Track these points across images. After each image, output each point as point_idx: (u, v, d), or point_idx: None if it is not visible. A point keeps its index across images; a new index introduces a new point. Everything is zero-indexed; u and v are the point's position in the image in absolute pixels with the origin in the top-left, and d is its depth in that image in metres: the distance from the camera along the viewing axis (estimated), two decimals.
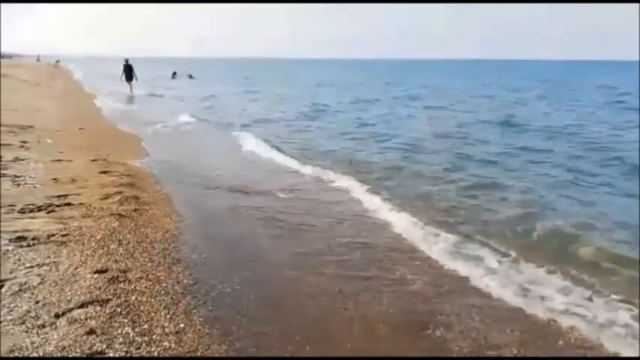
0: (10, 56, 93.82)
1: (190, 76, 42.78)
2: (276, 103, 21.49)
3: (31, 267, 3.71)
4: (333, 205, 6.23)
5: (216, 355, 2.93)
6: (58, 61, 72.19)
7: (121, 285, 3.58)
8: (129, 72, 24.82)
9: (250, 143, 10.58)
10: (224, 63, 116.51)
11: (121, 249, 4.25)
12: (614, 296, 3.88)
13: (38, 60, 77.00)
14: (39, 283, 3.46)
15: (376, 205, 6.18)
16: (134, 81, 25.10)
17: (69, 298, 3.30)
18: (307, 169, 8.10)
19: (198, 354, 2.91)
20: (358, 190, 6.85)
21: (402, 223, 5.49)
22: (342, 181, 7.31)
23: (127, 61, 25.17)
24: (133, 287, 3.58)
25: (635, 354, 3.22)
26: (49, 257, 3.91)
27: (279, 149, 9.91)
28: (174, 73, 42.61)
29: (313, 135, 12.39)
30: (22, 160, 7.05)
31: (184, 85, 34.88)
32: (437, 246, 4.84)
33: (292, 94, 26.42)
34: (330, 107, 19.46)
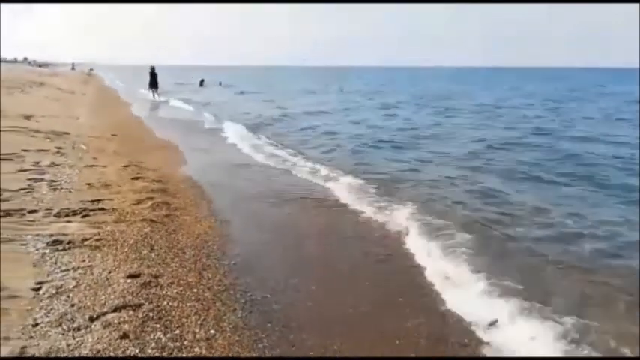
0: (46, 65, 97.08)
1: (220, 84, 43.13)
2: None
3: (67, 270, 3.79)
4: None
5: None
6: (91, 69, 74.49)
7: (153, 290, 3.63)
8: (154, 79, 25.76)
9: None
10: (230, 70, 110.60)
11: (152, 254, 4.32)
12: None
13: (73, 68, 79.42)
14: (74, 287, 3.53)
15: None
16: (158, 89, 26.07)
17: (103, 301, 3.36)
18: None
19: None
20: None
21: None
22: None
23: (152, 68, 26.04)
24: (164, 292, 3.63)
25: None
26: (83, 261, 3.99)
27: None
28: (202, 81, 43.09)
29: None
30: (57, 165, 7.25)
31: (220, 94, 32.52)
32: None
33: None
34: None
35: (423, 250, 4.83)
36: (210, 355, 2.95)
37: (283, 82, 59.16)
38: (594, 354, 3.18)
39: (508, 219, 5.91)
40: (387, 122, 16.93)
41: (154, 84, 26.00)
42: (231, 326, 3.30)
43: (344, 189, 7.20)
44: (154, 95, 25.97)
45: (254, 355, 3.03)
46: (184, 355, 2.91)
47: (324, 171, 8.51)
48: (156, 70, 26.20)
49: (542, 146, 11.50)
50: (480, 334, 3.43)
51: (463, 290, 4.01)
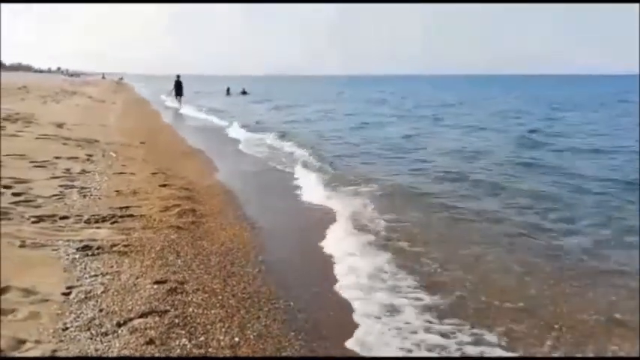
0: (78, 75, 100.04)
1: (244, 92, 43.34)
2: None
3: (96, 275, 3.87)
4: None
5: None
6: (121, 79, 76.48)
7: (179, 296, 3.67)
8: (179, 88, 26.16)
9: None
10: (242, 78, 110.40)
11: (179, 261, 4.37)
12: None
13: (103, 77, 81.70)
14: (102, 292, 3.60)
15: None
16: (183, 97, 26.44)
17: (130, 307, 3.41)
18: None
19: None
20: None
21: None
22: None
23: (178, 77, 26.48)
24: (190, 299, 3.66)
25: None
26: (111, 267, 4.07)
27: None
28: (229, 89, 43.60)
29: None
30: (88, 172, 7.44)
31: (248, 103, 32.72)
32: None
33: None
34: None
35: None
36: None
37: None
38: None
39: None
40: None
41: (179, 92, 26.45)
42: (255, 334, 3.31)
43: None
44: (179, 103, 26.41)
45: None
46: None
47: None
48: (181, 79, 26.64)
49: None
50: None
51: None
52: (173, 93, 26.88)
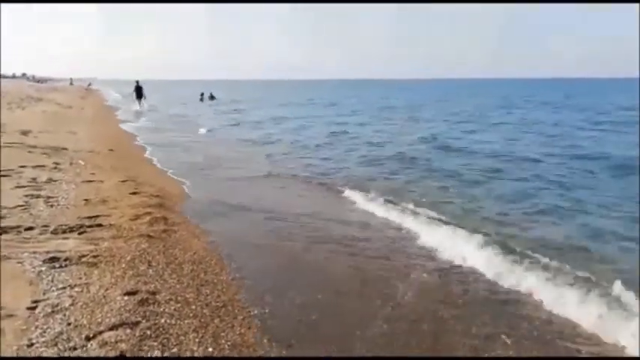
0: (45, 80, 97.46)
1: (212, 97, 42.63)
2: None
3: (63, 288, 3.75)
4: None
5: None
6: (90, 84, 74.83)
7: (151, 307, 3.58)
8: (139, 92, 29.60)
9: None
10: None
11: (150, 270, 4.27)
12: None
13: (71, 84, 79.72)
14: (71, 305, 3.49)
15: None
16: (143, 99, 29.79)
17: (99, 320, 3.31)
18: None
19: None
20: None
21: None
22: None
23: (137, 82, 30.16)
24: (162, 309, 3.58)
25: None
26: (80, 278, 3.95)
27: None
28: (203, 95, 43.02)
29: None
30: (55, 181, 7.23)
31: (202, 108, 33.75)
32: None
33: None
34: None
35: None
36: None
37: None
38: None
39: None
40: None
41: (139, 96, 29.61)
42: (229, 344, 3.26)
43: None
44: (140, 106, 29.34)
45: None
46: None
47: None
48: (141, 84, 29.96)
49: None
50: None
51: None
52: (134, 96, 30.05)
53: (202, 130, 18.43)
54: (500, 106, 34.43)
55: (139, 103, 29.68)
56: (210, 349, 3.15)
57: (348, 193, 7.78)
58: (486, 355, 3.25)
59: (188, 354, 3.06)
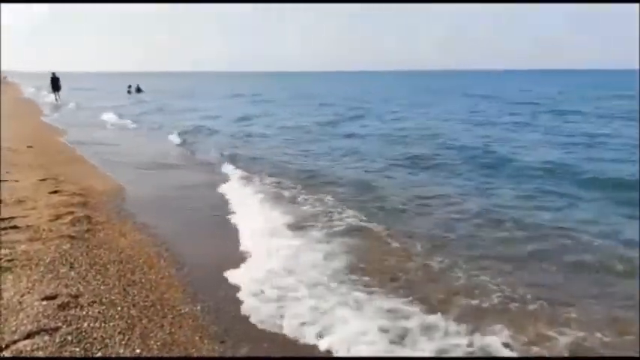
0: None
1: (139, 89, 41.07)
2: None
3: None
4: None
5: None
6: (5, 77, 69.50)
7: (72, 311, 3.40)
8: (55, 83, 28.94)
9: None
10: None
11: (72, 273, 4.05)
12: None
13: None
14: None
15: None
16: (60, 91, 29.26)
17: (14, 328, 3.10)
18: None
19: None
20: None
21: None
22: None
23: (53, 74, 29.19)
24: (85, 313, 3.41)
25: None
26: None
27: None
28: (130, 87, 41.21)
29: None
30: None
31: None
32: None
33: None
34: None
35: None
36: None
37: None
38: None
39: None
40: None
41: (56, 88, 28.94)
42: (159, 344, 3.15)
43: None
44: (56, 98, 28.78)
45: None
46: None
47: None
48: (57, 75, 29.15)
49: None
50: None
51: None
52: (50, 88, 29.41)
53: (116, 121, 18.57)
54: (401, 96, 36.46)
55: (56, 96, 29.19)
56: (138, 351, 3.04)
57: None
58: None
59: (114, 358, 2.93)
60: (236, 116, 20.70)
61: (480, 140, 12.69)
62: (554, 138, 13.22)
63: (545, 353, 3.18)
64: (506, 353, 3.16)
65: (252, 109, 24.68)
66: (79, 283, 3.88)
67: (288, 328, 3.44)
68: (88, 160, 9.57)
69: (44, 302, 3.48)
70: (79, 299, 3.59)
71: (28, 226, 5.03)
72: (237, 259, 4.68)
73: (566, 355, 3.18)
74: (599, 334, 3.38)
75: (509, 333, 3.37)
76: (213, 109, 25.48)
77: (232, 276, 4.25)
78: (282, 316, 3.57)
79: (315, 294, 3.90)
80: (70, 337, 3.07)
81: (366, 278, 4.23)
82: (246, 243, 5.10)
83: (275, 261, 4.53)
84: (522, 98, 30.79)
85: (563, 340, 3.30)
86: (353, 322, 3.45)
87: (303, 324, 3.46)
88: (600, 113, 20.12)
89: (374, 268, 4.48)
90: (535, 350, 3.20)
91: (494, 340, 3.26)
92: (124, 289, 3.85)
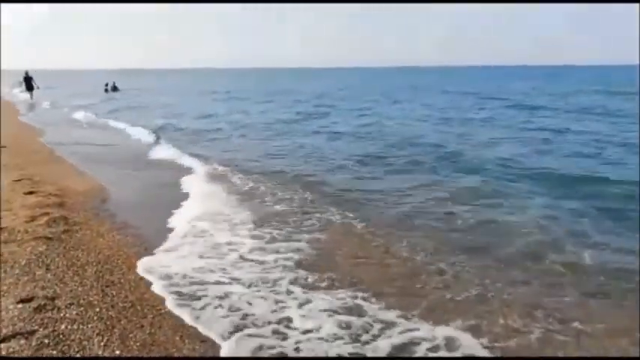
0: None
1: (115, 88, 40.30)
2: None
3: None
4: None
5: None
6: None
7: (49, 314, 3.34)
8: (29, 82, 28.86)
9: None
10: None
11: (48, 274, 3.98)
12: None
13: None
14: None
15: None
16: (35, 90, 28.99)
17: None
18: None
19: None
20: None
21: None
22: None
23: (26, 73, 29.17)
24: (62, 315, 3.36)
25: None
26: None
27: None
28: (107, 85, 40.45)
29: None
30: None
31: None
32: None
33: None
34: None
35: None
36: None
37: None
38: None
39: None
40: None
41: (29, 87, 28.84)
42: (138, 344, 3.13)
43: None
44: (31, 97, 28.62)
45: None
46: None
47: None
48: (30, 75, 29.05)
49: None
50: None
51: None
52: (24, 87, 29.43)
53: (88, 120, 18.66)
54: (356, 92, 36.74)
55: (30, 95, 29.01)
56: (118, 352, 3.01)
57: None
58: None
59: None
60: (203, 113, 20.57)
61: (438, 136, 12.88)
62: (513, 133, 13.55)
63: (513, 345, 3.24)
64: (474, 345, 3.22)
65: (221, 107, 24.60)
66: (56, 284, 3.81)
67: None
68: (65, 160, 9.40)
69: (20, 305, 3.42)
70: (56, 301, 3.54)
71: (2, 227, 4.92)
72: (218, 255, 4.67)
73: (560, 354, 3.20)
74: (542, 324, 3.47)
75: (472, 324, 3.46)
76: (181, 105, 25.48)
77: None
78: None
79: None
80: (46, 340, 3.02)
81: (317, 274, 4.29)
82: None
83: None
84: (497, 94, 31.05)
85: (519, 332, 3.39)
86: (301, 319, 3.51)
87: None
88: (567, 108, 20.57)
89: (326, 263, 4.55)
90: (502, 343, 3.26)
91: (458, 333, 3.33)
92: (103, 290, 3.81)
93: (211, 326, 3.39)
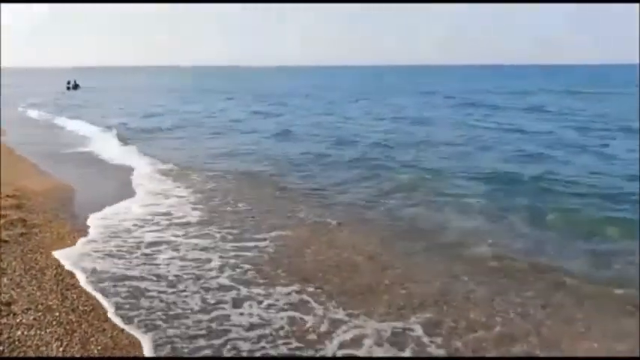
0: None
1: (76, 85, 39.30)
2: None
3: None
4: None
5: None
6: None
7: (4, 320, 3.22)
8: None
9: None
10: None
11: (4, 279, 3.83)
12: None
13: None
14: None
15: None
16: None
17: None
18: None
19: None
20: None
21: None
22: None
23: None
24: (18, 321, 3.24)
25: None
26: None
27: None
28: (69, 82, 39.25)
29: None
30: None
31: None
32: None
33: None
34: None
35: None
36: None
37: None
38: None
39: None
40: None
41: None
42: (99, 348, 3.04)
43: None
44: None
45: None
46: None
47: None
48: None
49: None
50: None
51: None
52: None
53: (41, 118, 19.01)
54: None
55: None
56: (78, 356, 2.91)
57: None
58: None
59: None
60: (152, 112, 20.48)
61: (377, 136, 12.96)
62: (453, 131, 13.86)
63: (470, 339, 3.29)
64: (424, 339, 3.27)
65: (177, 103, 24.98)
66: (12, 289, 3.67)
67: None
68: (25, 160, 9.07)
69: None
70: (12, 307, 3.40)
71: None
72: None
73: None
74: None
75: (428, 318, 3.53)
76: (135, 104, 25.15)
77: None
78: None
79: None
80: (1, 348, 2.90)
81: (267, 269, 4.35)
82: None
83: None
84: (457, 93, 31.22)
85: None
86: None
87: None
88: (521, 107, 21.00)
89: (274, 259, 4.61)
90: (457, 340, 3.31)
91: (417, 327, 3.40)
92: (62, 294, 3.69)
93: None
